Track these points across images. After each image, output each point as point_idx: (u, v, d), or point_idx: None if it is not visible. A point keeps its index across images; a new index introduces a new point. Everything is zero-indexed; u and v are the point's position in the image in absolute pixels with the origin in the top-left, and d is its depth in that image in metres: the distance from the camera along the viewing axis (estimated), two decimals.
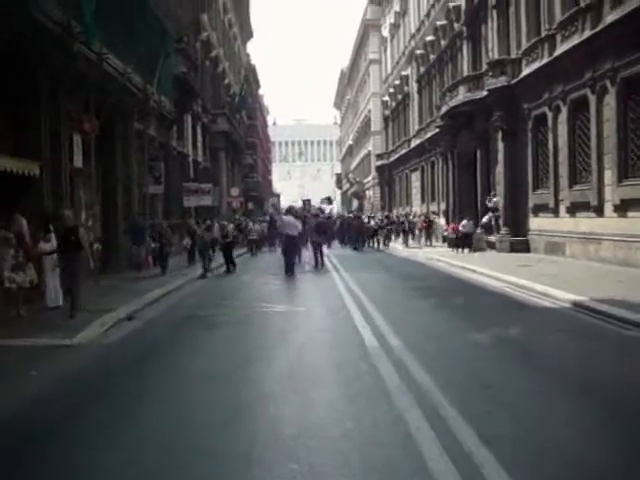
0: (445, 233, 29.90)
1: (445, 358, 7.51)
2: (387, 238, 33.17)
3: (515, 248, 23.05)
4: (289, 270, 18.18)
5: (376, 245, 32.96)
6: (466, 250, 25.29)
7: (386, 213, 41.83)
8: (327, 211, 42.52)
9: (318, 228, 22.14)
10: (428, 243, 31.19)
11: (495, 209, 25.00)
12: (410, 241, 32.51)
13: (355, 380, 6.46)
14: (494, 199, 25.30)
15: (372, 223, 34.58)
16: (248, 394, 6.10)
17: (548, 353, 7.68)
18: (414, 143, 42.16)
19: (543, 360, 7.30)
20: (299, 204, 63.71)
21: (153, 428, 5.20)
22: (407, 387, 6.01)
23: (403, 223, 33.60)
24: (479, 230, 26.12)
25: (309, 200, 54.56)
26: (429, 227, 31.81)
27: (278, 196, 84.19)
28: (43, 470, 4.44)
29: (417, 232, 32.75)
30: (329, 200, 63.92)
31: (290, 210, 22.25)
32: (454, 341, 8.49)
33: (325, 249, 23.06)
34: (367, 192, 67.77)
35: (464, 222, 26.21)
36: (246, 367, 7.19)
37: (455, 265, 19.70)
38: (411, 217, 35.56)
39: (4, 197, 12.50)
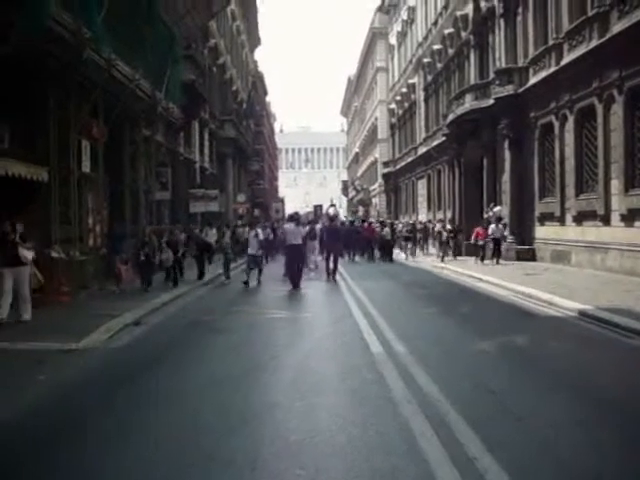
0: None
1: (450, 365, 7.51)
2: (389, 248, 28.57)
3: (521, 257, 23.00)
4: (295, 284, 16.54)
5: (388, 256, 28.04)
6: (487, 260, 22.72)
7: (381, 219, 39.53)
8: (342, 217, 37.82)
9: (331, 234, 20.37)
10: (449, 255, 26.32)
11: (499, 218, 24.07)
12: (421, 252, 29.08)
13: (360, 387, 6.47)
14: (495, 209, 24.66)
15: (385, 231, 28.85)
16: (255, 400, 6.11)
17: (553, 361, 7.67)
18: (420, 151, 42.17)
19: (548, 368, 7.29)
20: (305, 210, 63.44)
21: (159, 434, 5.22)
22: (412, 394, 6.02)
23: (440, 232, 27.49)
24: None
25: (321, 205, 51.79)
26: (456, 237, 27.09)
27: (282, 200, 79.88)
28: (49, 475, 4.46)
29: (437, 243, 28.00)
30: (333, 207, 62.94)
31: (292, 217, 19.95)
32: (459, 348, 8.49)
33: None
34: (373, 199, 67.80)
35: (492, 226, 23.14)
36: (253, 373, 7.20)
37: (463, 274, 19.69)
38: (437, 225, 29.88)
39: (13, 202, 12.61)
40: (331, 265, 19.07)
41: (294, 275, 16.79)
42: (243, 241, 23.33)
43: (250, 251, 17.97)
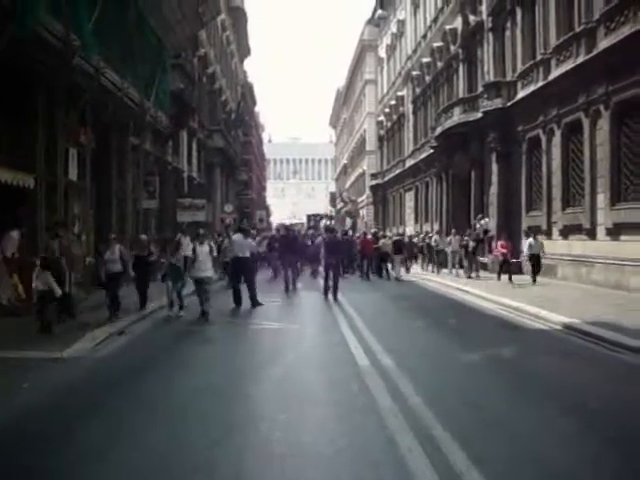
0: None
1: (437, 378, 7.49)
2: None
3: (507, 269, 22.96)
4: (238, 301, 14.38)
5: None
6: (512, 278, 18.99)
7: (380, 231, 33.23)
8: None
9: (332, 248, 17.64)
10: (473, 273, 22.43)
11: (486, 230, 23.95)
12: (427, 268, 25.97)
13: (347, 399, 6.43)
14: (482, 221, 24.62)
15: (381, 242, 24.93)
16: (239, 411, 6.07)
17: (539, 375, 7.66)
18: (409, 163, 42.31)
19: (534, 381, 7.28)
20: (294, 221, 63.24)
21: (142, 445, 5.15)
22: (399, 407, 5.99)
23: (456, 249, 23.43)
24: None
25: (315, 215, 47.19)
26: (475, 253, 23.04)
27: (266, 208, 74.90)
28: None
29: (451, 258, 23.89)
30: (329, 217, 61.25)
31: (240, 228, 17.30)
32: (446, 361, 8.48)
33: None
34: (361, 211, 67.89)
35: (531, 240, 19.40)
36: (238, 384, 7.15)
37: (449, 286, 19.69)
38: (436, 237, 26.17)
39: None
40: (330, 283, 16.72)
41: (237, 289, 14.53)
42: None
43: (195, 273, 13.08)
